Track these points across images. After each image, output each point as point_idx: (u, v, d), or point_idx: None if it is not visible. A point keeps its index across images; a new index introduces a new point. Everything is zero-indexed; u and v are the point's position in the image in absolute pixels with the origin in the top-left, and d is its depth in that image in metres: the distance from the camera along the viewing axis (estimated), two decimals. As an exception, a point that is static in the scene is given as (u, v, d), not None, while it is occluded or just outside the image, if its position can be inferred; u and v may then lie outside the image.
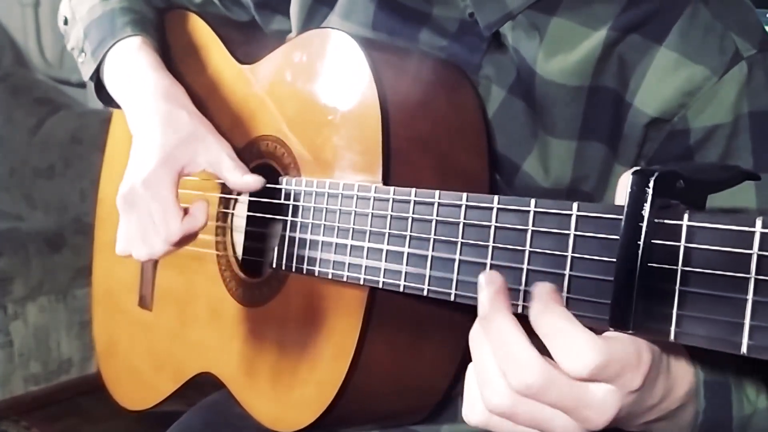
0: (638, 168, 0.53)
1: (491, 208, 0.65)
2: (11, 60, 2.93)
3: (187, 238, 0.92)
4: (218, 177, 0.95)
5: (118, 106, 1.07)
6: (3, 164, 2.75)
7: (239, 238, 1.02)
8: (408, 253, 0.73)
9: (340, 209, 0.82)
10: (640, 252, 0.52)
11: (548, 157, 0.84)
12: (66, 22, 1.17)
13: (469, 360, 0.59)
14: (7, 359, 2.43)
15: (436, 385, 0.89)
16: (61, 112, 2.72)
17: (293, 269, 0.88)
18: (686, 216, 0.51)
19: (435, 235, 0.70)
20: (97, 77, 1.09)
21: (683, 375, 0.61)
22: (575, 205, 0.58)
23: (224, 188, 1.03)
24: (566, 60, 0.82)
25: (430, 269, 0.71)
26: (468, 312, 0.63)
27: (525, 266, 0.62)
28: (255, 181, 0.92)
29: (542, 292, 0.56)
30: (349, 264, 0.80)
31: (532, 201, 0.61)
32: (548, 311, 0.54)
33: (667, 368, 0.59)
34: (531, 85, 0.84)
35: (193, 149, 0.93)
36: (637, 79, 0.79)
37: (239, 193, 1.02)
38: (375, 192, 0.77)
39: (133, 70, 1.03)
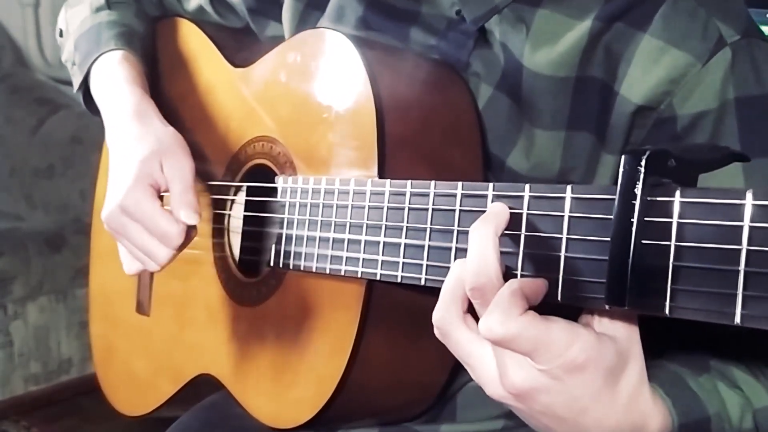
0: (631, 147, 0.54)
1: (486, 196, 0.65)
2: (11, 60, 2.94)
3: (189, 236, 0.92)
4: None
5: None
6: (3, 164, 2.74)
7: (236, 239, 1.03)
8: (405, 244, 0.74)
9: (336, 204, 0.82)
10: (633, 229, 0.52)
11: (534, 150, 0.85)
12: (61, 35, 1.18)
13: None
14: (7, 359, 2.42)
15: (435, 379, 0.90)
16: (61, 112, 2.72)
17: (291, 266, 0.88)
18: (678, 193, 0.52)
19: (431, 224, 0.71)
20: (86, 88, 1.11)
21: (651, 415, 0.63)
22: (569, 187, 0.59)
23: (219, 190, 1.03)
24: (553, 51, 0.82)
25: (427, 259, 0.71)
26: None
27: (521, 250, 0.62)
28: (187, 218, 0.89)
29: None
30: (346, 258, 0.80)
31: (527, 186, 0.62)
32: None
33: (628, 399, 0.61)
34: (518, 79, 0.84)
35: (159, 161, 0.92)
36: (623, 67, 0.79)
37: (235, 195, 1.03)
38: (371, 185, 0.78)
39: (109, 85, 1.04)
